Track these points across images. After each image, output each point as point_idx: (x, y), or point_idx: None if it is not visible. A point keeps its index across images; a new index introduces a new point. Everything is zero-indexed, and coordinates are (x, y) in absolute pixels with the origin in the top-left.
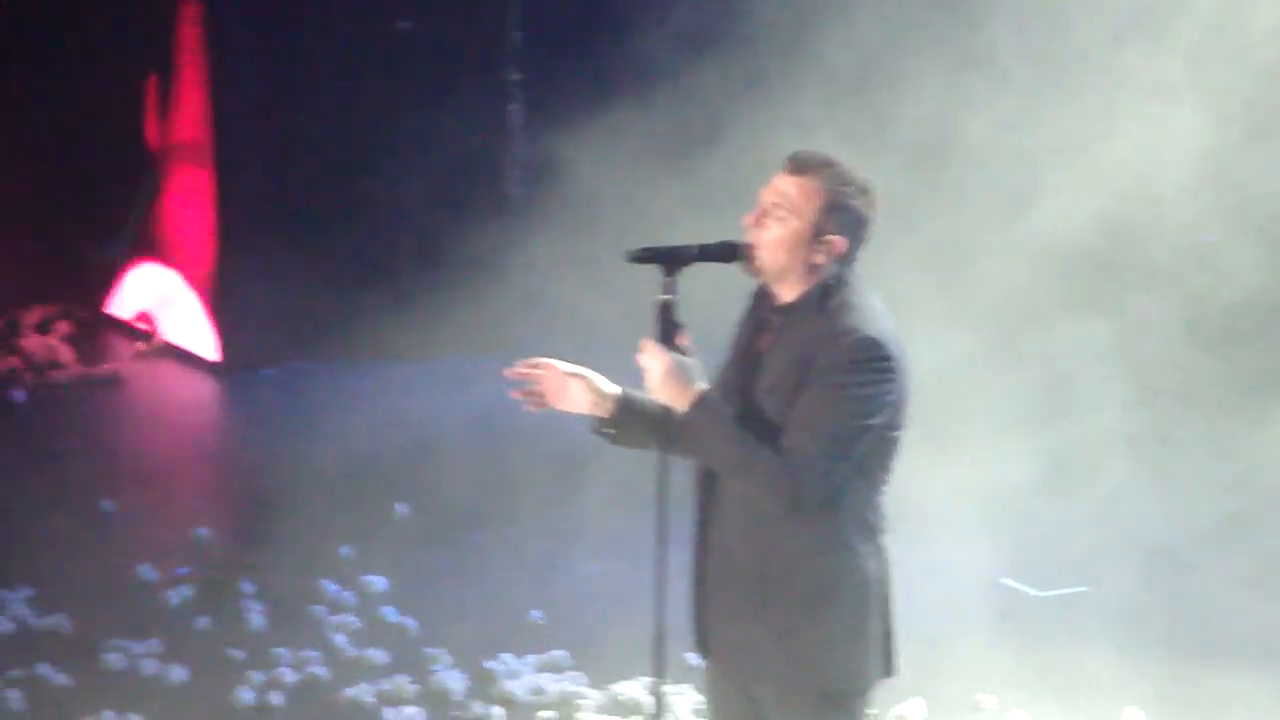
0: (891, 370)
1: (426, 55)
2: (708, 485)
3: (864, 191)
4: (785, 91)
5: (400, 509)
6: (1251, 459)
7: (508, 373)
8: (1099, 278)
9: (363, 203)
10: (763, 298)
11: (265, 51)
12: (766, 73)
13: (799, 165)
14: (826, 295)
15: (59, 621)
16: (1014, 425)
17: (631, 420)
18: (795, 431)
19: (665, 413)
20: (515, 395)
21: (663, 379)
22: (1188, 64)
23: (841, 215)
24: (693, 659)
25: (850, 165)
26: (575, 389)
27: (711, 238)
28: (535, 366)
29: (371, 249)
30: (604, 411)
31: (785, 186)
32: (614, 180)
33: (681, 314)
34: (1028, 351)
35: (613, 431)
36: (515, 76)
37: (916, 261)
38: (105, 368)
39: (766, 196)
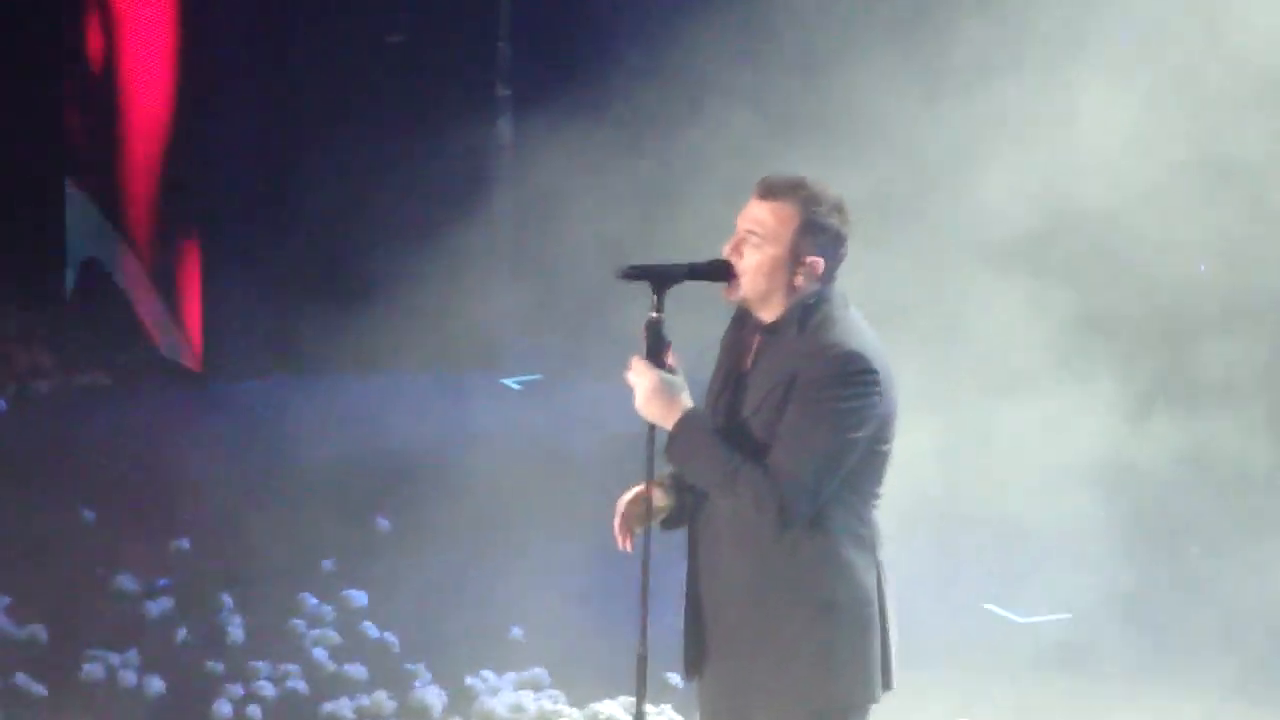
0: (875, 383)
1: (415, 69)
2: (700, 508)
3: (838, 209)
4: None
5: (382, 523)
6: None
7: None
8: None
9: (347, 216)
10: (744, 318)
11: (251, 64)
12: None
13: (770, 190)
14: (807, 313)
15: (36, 631)
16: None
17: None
18: (781, 448)
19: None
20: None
21: (649, 396)
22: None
23: (818, 236)
24: (674, 679)
25: (822, 183)
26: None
27: (702, 257)
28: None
29: (356, 263)
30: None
31: (759, 213)
32: (602, 195)
33: (670, 332)
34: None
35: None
36: (504, 92)
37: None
38: (88, 376)
39: (742, 224)
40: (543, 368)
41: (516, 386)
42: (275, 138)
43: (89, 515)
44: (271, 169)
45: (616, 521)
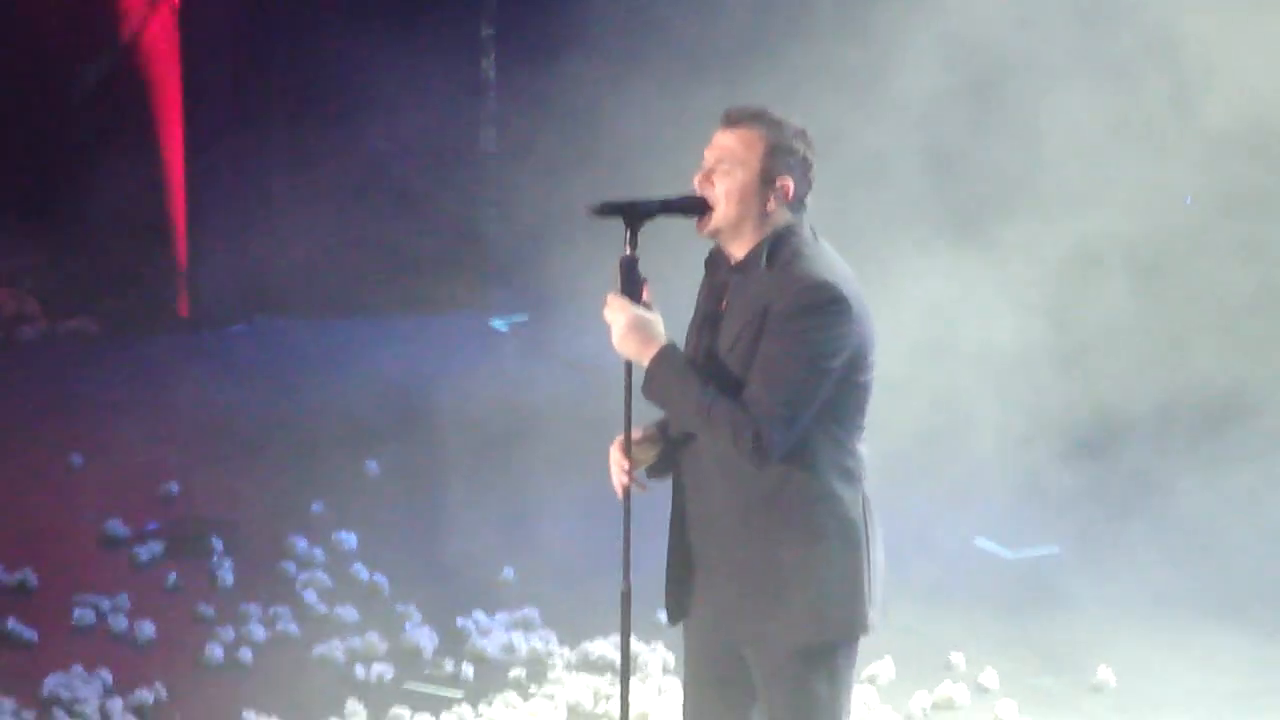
0: (845, 312)
1: (400, 9)
2: (686, 449)
3: (802, 134)
4: (764, 38)
5: (372, 466)
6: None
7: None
8: None
9: (335, 157)
10: (717, 262)
11: (236, 8)
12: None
13: (735, 118)
14: (776, 247)
15: (27, 576)
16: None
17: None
18: (755, 381)
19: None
20: (623, 475)
21: (625, 333)
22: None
23: (786, 157)
24: (664, 617)
25: (784, 111)
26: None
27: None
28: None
29: (344, 205)
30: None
31: (726, 140)
32: (590, 134)
33: (645, 269)
34: None
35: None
36: (488, 31)
37: None
38: (75, 322)
39: (709, 154)
40: (530, 308)
41: (504, 327)
42: (260, 79)
43: (78, 460)
44: (257, 110)
45: (613, 470)
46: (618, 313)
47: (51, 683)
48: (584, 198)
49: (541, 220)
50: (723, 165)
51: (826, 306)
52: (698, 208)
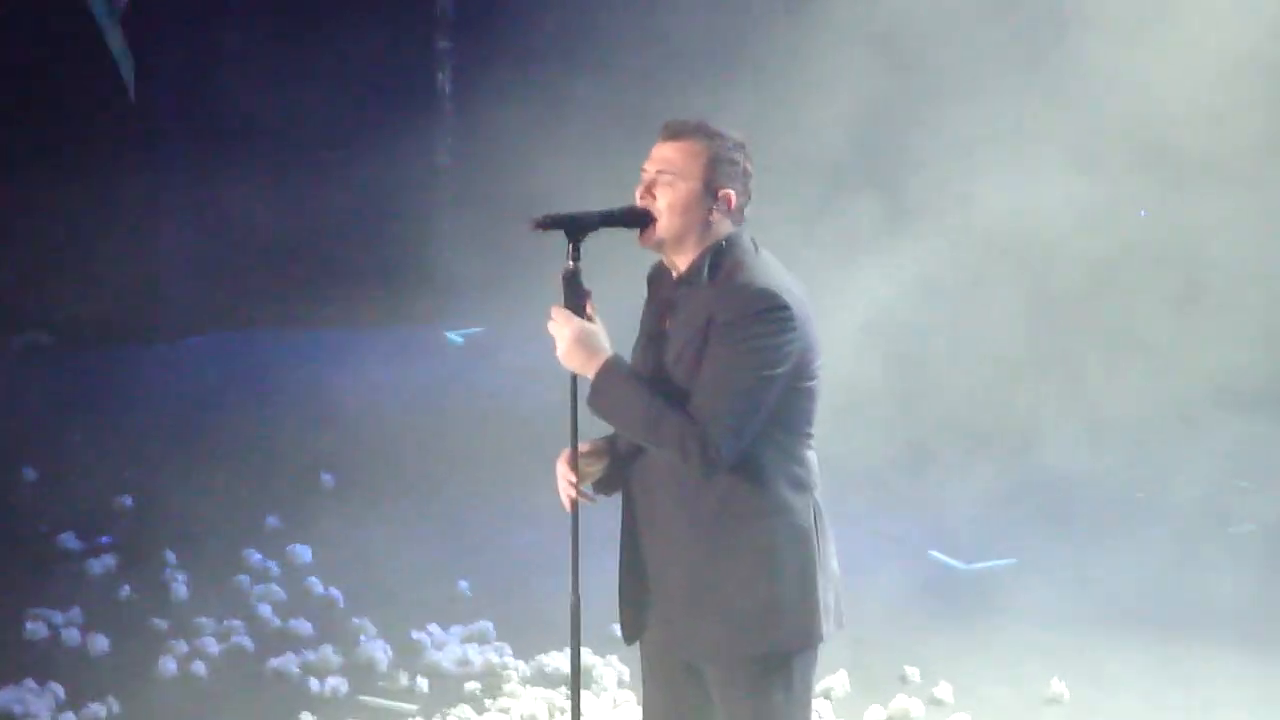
0: (789, 319)
1: (354, 21)
2: (634, 463)
3: (741, 146)
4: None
5: (326, 478)
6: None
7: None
8: None
9: (290, 170)
10: (659, 278)
11: (183, 14)
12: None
13: (675, 130)
14: (718, 259)
15: None
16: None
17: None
18: (701, 391)
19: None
20: (570, 488)
21: (570, 346)
22: None
23: (727, 168)
24: (619, 631)
25: (722, 124)
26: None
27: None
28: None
29: (299, 218)
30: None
31: (666, 153)
32: (544, 148)
33: (588, 281)
34: None
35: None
36: (444, 44)
37: None
38: (27, 334)
39: (650, 167)
40: (484, 320)
41: (459, 340)
42: (216, 90)
43: (30, 474)
44: (213, 122)
45: (560, 485)
46: (562, 325)
47: (3, 697)
48: (537, 210)
49: (496, 232)
50: (664, 177)
51: (770, 314)
52: (639, 219)
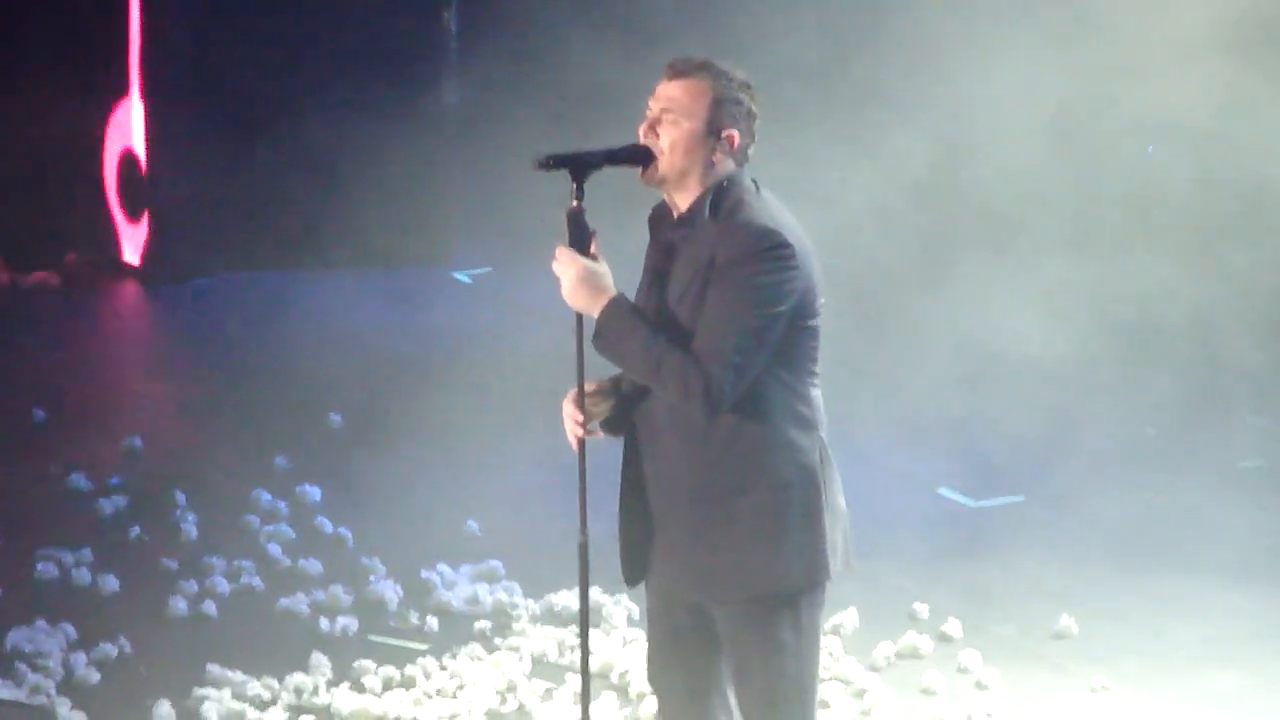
0: (791, 257)
1: None
2: (639, 405)
3: (746, 86)
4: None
5: (335, 419)
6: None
7: None
8: None
9: (297, 110)
10: (661, 220)
11: None
12: None
13: (680, 69)
14: (719, 198)
15: None
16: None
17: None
18: (704, 330)
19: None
20: (577, 427)
21: (575, 286)
22: None
23: (732, 108)
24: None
25: (729, 64)
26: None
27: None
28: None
29: (305, 158)
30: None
31: (671, 91)
32: (551, 87)
33: (592, 220)
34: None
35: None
36: None
37: None
38: (36, 276)
39: (654, 105)
40: (492, 260)
41: (467, 280)
42: (221, 33)
43: (40, 415)
44: (218, 65)
45: (566, 424)
46: (566, 265)
47: (14, 637)
48: (546, 149)
49: (504, 171)
50: (668, 115)
51: (771, 252)
52: (643, 158)
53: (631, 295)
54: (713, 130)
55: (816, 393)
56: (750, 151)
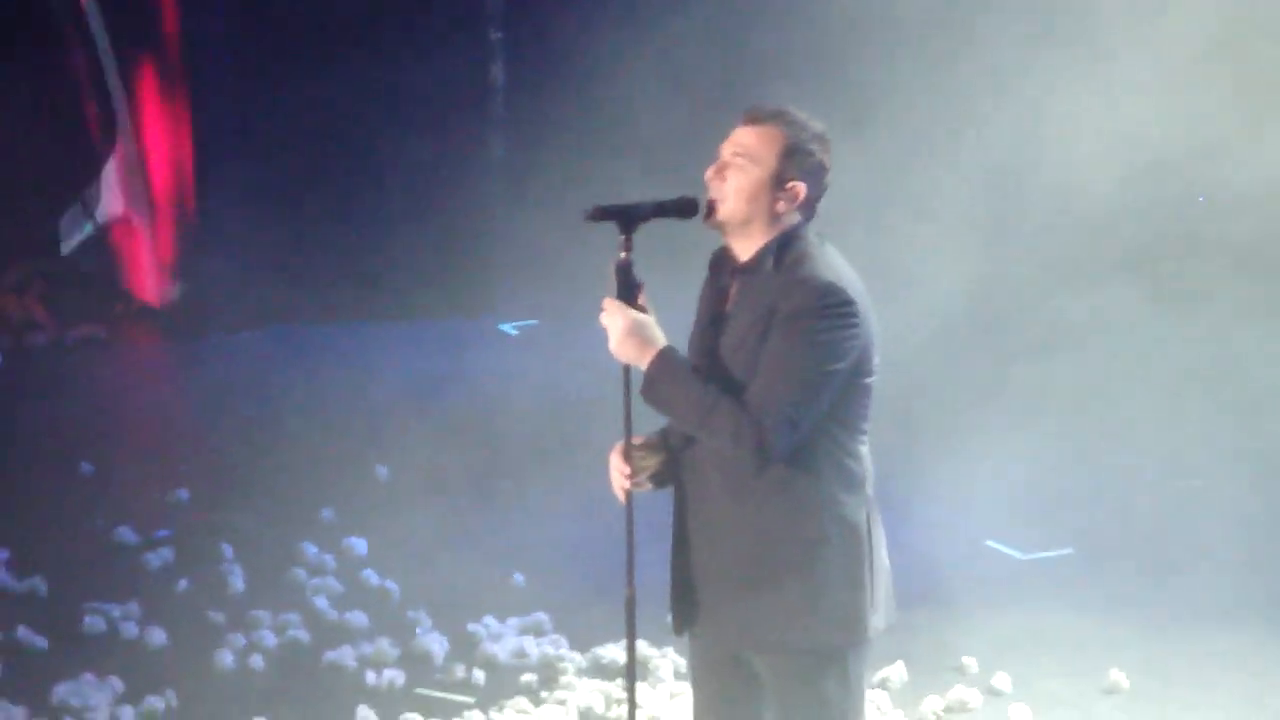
0: (852, 314)
1: (408, 14)
2: (686, 456)
3: (821, 139)
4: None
5: (381, 471)
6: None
7: None
8: None
9: (344, 163)
10: (721, 262)
11: (242, 11)
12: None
13: (756, 115)
14: (783, 249)
15: (37, 584)
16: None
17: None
18: (761, 382)
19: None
20: (624, 480)
21: (623, 338)
22: None
23: (801, 160)
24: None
25: (806, 114)
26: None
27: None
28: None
29: (352, 210)
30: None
31: (744, 137)
32: (597, 140)
33: (641, 272)
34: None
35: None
36: (496, 35)
37: None
38: (83, 329)
39: (726, 149)
40: (539, 312)
41: (513, 332)
42: (268, 87)
43: (87, 468)
44: (266, 120)
45: (613, 476)
46: (615, 316)
47: (61, 690)
48: (593, 201)
49: (551, 224)
50: (738, 160)
51: (834, 309)
52: (691, 210)
53: (680, 346)
54: (779, 181)
55: (865, 449)
56: (819, 205)
